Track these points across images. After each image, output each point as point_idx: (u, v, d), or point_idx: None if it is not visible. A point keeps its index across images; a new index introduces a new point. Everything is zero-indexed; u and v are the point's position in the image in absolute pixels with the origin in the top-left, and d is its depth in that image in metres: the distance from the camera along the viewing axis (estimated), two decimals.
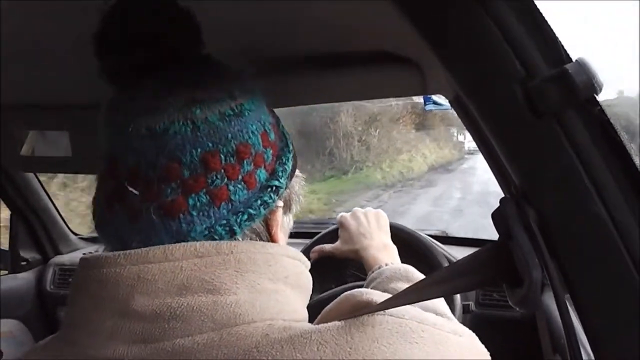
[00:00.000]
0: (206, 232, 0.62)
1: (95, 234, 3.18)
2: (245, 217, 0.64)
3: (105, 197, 0.65)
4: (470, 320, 1.84)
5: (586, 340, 0.61)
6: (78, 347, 0.60)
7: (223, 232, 0.63)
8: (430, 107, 1.93)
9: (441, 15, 0.60)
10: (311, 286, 0.70)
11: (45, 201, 2.73)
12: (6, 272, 2.71)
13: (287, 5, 0.91)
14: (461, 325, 0.70)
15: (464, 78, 0.62)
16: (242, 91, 0.67)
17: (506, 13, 0.58)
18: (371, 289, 0.95)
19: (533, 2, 0.58)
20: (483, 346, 0.69)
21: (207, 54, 0.69)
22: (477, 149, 1.57)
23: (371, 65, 1.28)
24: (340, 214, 1.46)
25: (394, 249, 1.32)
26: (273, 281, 0.63)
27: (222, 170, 0.63)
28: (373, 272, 1.19)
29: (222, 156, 0.63)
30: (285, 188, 0.70)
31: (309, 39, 1.14)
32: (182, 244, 0.60)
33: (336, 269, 1.79)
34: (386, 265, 1.19)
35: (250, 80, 0.70)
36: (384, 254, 1.27)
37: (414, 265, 1.27)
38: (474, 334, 0.70)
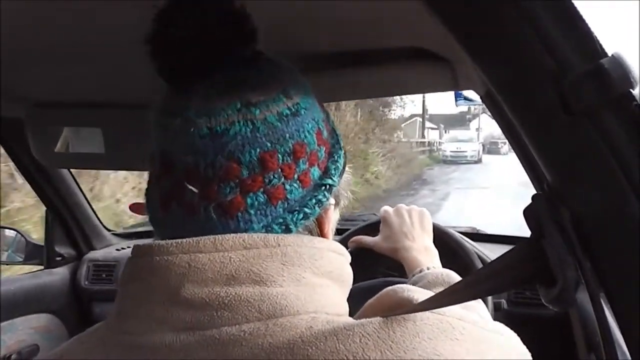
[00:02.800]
0: (263, 231, 0.64)
1: (128, 230, 3.23)
2: (301, 215, 0.65)
3: (161, 194, 0.67)
4: (502, 318, 1.83)
5: (622, 339, 0.60)
6: (127, 333, 0.62)
7: (279, 230, 0.64)
8: (461, 102, 1.92)
9: (472, 11, 0.59)
10: (351, 280, 0.71)
11: (79, 197, 2.77)
12: (42, 267, 2.76)
13: (321, 3, 0.91)
14: (503, 325, 0.70)
15: (495, 74, 0.62)
16: (296, 89, 0.68)
17: (538, 7, 0.57)
18: None
19: None
20: (524, 346, 0.68)
21: (260, 51, 0.69)
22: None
23: (403, 61, 1.28)
24: (384, 209, 1.44)
25: (435, 252, 1.31)
26: (318, 275, 0.64)
27: (279, 170, 0.64)
28: (414, 275, 1.18)
29: (280, 156, 0.64)
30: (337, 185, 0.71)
31: (342, 36, 1.15)
32: (232, 235, 0.61)
33: (367, 264, 1.78)
34: (427, 269, 1.18)
35: (301, 77, 0.71)
36: (426, 256, 1.26)
37: (445, 263, 1.27)
38: (515, 334, 0.69)
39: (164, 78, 0.68)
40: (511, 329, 0.70)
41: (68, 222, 2.77)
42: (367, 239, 1.46)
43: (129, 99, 1.53)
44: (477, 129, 51.59)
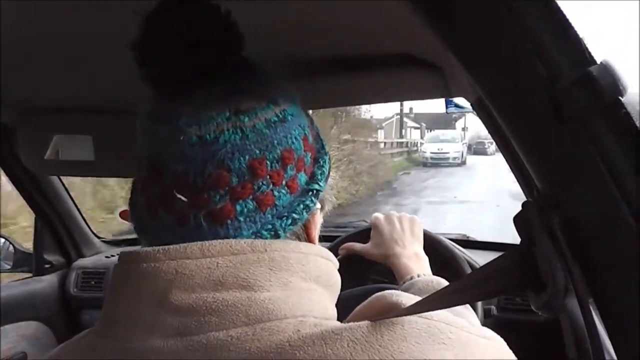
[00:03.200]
0: (252, 237, 0.64)
1: (118, 237, 3.21)
2: (290, 221, 0.66)
3: (148, 202, 0.67)
4: (492, 324, 1.82)
5: (610, 345, 0.60)
6: (115, 340, 0.62)
7: (268, 236, 0.65)
8: (452, 109, 1.92)
9: (463, 19, 0.60)
10: (340, 285, 0.71)
11: (68, 204, 2.76)
12: (30, 274, 2.74)
13: (310, 9, 0.92)
14: (490, 330, 0.70)
15: (486, 81, 0.62)
16: (283, 96, 0.69)
17: (529, 15, 0.57)
18: None
19: (556, 4, 0.58)
20: (511, 352, 0.69)
21: (247, 58, 0.70)
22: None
23: (394, 68, 1.28)
24: (375, 215, 1.45)
25: (425, 259, 1.31)
26: (305, 280, 0.64)
27: (268, 177, 0.64)
28: (405, 282, 1.18)
29: (269, 162, 0.64)
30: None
31: (332, 42, 1.15)
32: (219, 241, 0.62)
33: (357, 270, 1.78)
34: (418, 276, 1.19)
35: (287, 84, 0.71)
36: (416, 263, 1.27)
37: (435, 269, 1.27)
38: (502, 339, 0.70)
39: (152, 84, 0.68)
40: (501, 335, 0.70)
41: (57, 229, 2.75)
42: (357, 246, 1.46)
43: (119, 106, 1.53)
44: (463, 129, 50.75)
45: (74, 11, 0.90)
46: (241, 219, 0.64)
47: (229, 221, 0.63)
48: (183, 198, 0.63)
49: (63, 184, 2.74)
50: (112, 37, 0.93)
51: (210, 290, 0.59)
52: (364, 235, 1.65)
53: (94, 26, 0.96)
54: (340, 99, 1.73)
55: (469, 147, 45.76)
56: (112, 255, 2.87)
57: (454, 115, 51.77)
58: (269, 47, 1.12)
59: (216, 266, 0.60)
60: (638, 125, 0.57)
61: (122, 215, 2.91)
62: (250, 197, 0.64)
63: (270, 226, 0.65)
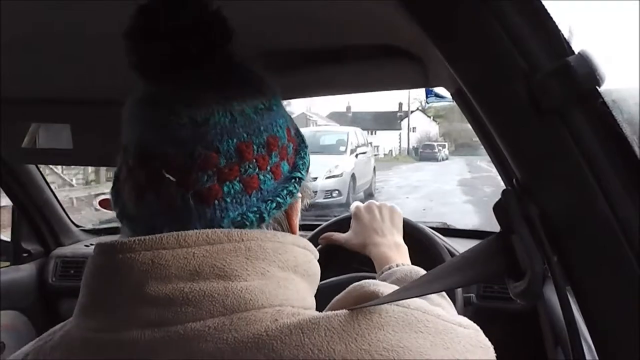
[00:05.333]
0: (238, 219, 0.65)
1: (97, 226, 3.19)
2: (274, 205, 0.67)
3: (135, 187, 0.66)
4: (472, 312, 1.85)
5: (587, 332, 0.61)
6: (92, 331, 0.62)
7: (254, 219, 0.66)
8: (432, 99, 1.93)
9: (443, 10, 0.60)
10: (319, 275, 0.71)
11: (46, 193, 2.74)
12: (8, 263, 2.72)
13: (291, 0, 0.91)
14: (466, 318, 0.71)
15: (466, 73, 0.63)
16: (269, 87, 0.71)
17: (508, 7, 0.58)
18: None
19: None
20: (487, 339, 0.70)
21: (232, 54, 0.71)
22: None
23: (374, 58, 1.28)
24: (355, 204, 1.45)
25: (405, 249, 1.31)
26: (283, 269, 0.64)
27: (254, 160, 0.66)
28: (383, 271, 1.19)
29: (255, 147, 0.66)
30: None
31: (312, 33, 1.15)
32: (195, 230, 0.62)
33: (339, 260, 1.79)
34: (397, 265, 1.19)
35: (269, 76, 0.73)
36: (395, 253, 1.27)
37: (416, 257, 1.27)
38: (478, 328, 0.70)
39: (143, 72, 0.68)
40: (480, 322, 0.71)
41: (35, 218, 2.73)
42: (337, 236, 1.46)
43: (98, 95, 1.51)
44: (410, 129, 48.79)
45: (52, 1, 0.89)
46: (228, 199, 0.64)
47: (216, 201, 0.64)
48: (172, 178, 0.63)
49: (41, 173, 2.71)
50: (91, 27, 0.92)
51: (186, 281, 0.59)
52: (344, 224, 1.65)
53: (73, 16, 0.95)
54: (321, 88, 1.72)
55: (416, 151, 43.24)
56: (92, 244, 2.85)
57: (399, 114, 50.04)
58: (254, 39, 1.12)
59: (192, 256, 0.60)
60: (638, 120, 0.58)
61: (102, 204, 2.89)
62: (237, 179, 0.64)
63: (255, 209, 0.66)
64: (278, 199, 0.67)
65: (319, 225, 1.90)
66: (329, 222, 1.85)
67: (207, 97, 0.65)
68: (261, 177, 0.66)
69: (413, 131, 49.96)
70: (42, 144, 1.80)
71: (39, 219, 2.75)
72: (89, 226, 3.21)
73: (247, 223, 0.65)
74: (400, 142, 49.13)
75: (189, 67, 0.67)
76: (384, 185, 18.80)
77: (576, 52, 0.58)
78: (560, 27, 0.58)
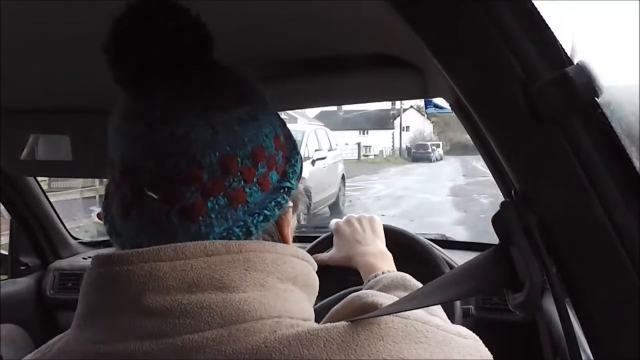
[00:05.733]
0: (224, 234, 0.64)
1: (95, 239, 3.18)
2: (261, 218, 0.66)
3: (121, 204, 0.66)
4: (471, 324, 1.84)
5: (586, 344, 0.61)
6: (90, 343, 0.61)
7: (240, 233, 0.65)
8: (431, 110, 1.93)
9: (442, 19, 0.60)
10: (317, 287, 0.71)
11: (45, 205, 2.73)
12: (6, 276, 2.71)
13: (289, 8, 0.92)
14: (465, 328, 0.70)
15: (464, 82, 0.63)
16: (253, 95, 0.69)
17: (507, 17, 0.58)
18: None
19: (533, 5, 0.58)
20: (486, 349, 0.69)
21: (216, 60, 0.70)
22: None
23: (373, 68, 1.29)
24: (334, 221, 1.45)
25: (389, 256, 1.32)
26: (282, 280, 0.64)
27: (239, 173, 0.64)
28: (370, 280, 1.19)
29: (239, 159, 0.64)
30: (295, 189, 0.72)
31: (311, 42, 1.15)
32: (193, 242, 0.61)
33: (336, 276, 1.79)
34: (383, 273, 1.19)
35: (258, 84, 0.72)
36: (380, 260, 1.27)
37: (414, 270, 1.27)
38: (477, 337, 0.70)
39: (123, 84, 0.67)
40: (479, 334, 0.71)
41: (33, 230, 2.72)
42: (321, 256, 1.45)
43: (97, 105, 1.51)
44: (403, 128, 47.07)
45: (49, 11, 0.89)
46: (212, 215, 0.63)
47: (200, 217, 0.63)
48: (154, 195, 0.63)
49: (39, 185, 2.70)
50: (89, 37, 0.92)
51: (184, 292, 0.59)
52: (326, 243, 1.66)
53: (70, 26, 0.95)
54: (318, 99, 1.73)
55: (409, 151, 41.33)
56: (90, 257, 2.83)
57: (392, 112, 48.01)
58: (250, 48, 1.12)
59: (190, 268, 0.60)
60: (638, 119, 0.58)
61: (100, 216, 2.89)
62: (222, 193, 0.63)
63: (241, 223, 0.65)
64: (265, 211, 0.66)
65: (317, 236, 1.90)
66: (312, 244, 1.85)
67: (186, 110, 0.64)
68: (247, 189, 0.65)
69: (406, 130, 48.49)
70: (41, 155, 1.80)
71: (37, 231, 2.74)
72: (87, 239, 3.20)
73: (234, 238, 0.64)
74: (393, 142, 47.88)
75: (168, 78, 0.65)
76: (360, 195, 16.72)
77: (575, 63, 0.58)
78: (559, 37, 0.59)
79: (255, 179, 0.66)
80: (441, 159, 37.28)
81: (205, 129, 0.63)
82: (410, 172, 26.99)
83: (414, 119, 49.78)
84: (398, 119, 47.36)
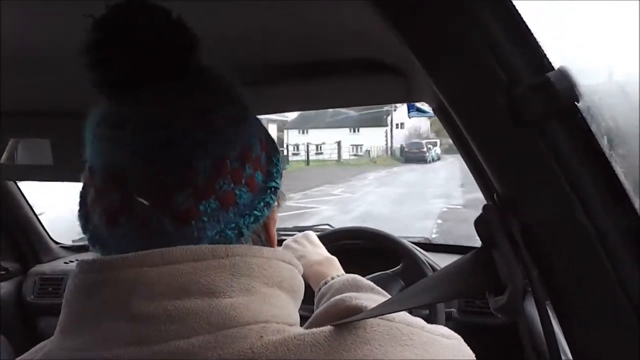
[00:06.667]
0: (217, 237, 0.64)
1: (77, 243, 3.15)
2: (252, 219, 0.66)
3: (106, 212, 0.64)
4: (453, 327, 1.83)
5: (567, 346, 0.61)
6: (74, 350, 0.60)
7: (232, 235, 0.64)
8: (414, 114, 1.94)
9: (425, 24, 0.61)
10: (303, 291, 0.71)
11: (25, 209, 2.71)
12: None
13: (272, 14, 0.92)
14: (448, 329, 0.71)
15: (447, 87, 0.63)
16: (240, 97, 0.70)
17: (489, 22, 0.58)
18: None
19: (516, 11, 0.59)
20: (469, 349, 0.70)
21: (201, 64, 0.69)
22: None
23: (356, 73, 1.29)
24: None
25: (334, 260, 1.31)
26: (268, 285, 0.64)
27: (229, 175, 0.64)
28: (321, 288, 1.18)
29: (229, 161, 0.64)
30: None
31: (294, 47, 1.15)
32: (180, 247, 0.61)
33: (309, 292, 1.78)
34: (332, 278, 1.19)
35: (239, 87, 0.71)
36: (327, 267, 1.27)
37: (397, 272, 1.27)
38: (460, 337, 0.71)
39: (106, 88, 0.66)
40: (462, 337, 0.71)
41: (14, 234, 2.69)
42: None
43: (77, 109, 1.50)
44: (396, 126, 44.61)
45: (28, 16, 0.88)
46: (205, 218, 0.63)
47: (193, 222, 0.62)
48: (145, 202, 0.62)
49: (20, 189, 2.68)
50: (69, 40, 0.92)
51: (171, 298, 0.58)
52: None
53: (52, 28, 0.95)
54: (303, 103, 1.73)
55: (401, 150, 38.51)
56: (72, 261, 2.82)
57: (385, 108, 43.71)
58: (234, 53, 1.12)
59: (178, 273, 0.59)
60: (616, 123, 0.59)
61: None
62: (213, 196, 0.63)
63: (233, 225, 0.65)
64: (255, 212, 0.66)
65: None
66: None
67: (179, 113, 0.63)
68: (237, 191, 0.65)
69: (400, 128, 46.36)
70: (21, 159, 1.78)
71: (18, 235, 2.71)
72: (69, 243, 3.17)
73: (226, 240, 0.64)
74: (387, 140, 45.82)
75: (156, 82, 0.65)
76: (296, 219, 11.79)
77: (556, 68, 0.59)
78: (540, 42, 0.59)
79: (243, 180, 0.66)
80: (438, 159, 34.58)
81: (199, 132, 0.63)
82: (394, 179, 23.88)
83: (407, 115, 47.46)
84: (394, 115, 44.83)
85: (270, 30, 1.02)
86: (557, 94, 0.56)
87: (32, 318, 2.71)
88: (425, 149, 33.84)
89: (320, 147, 43.84)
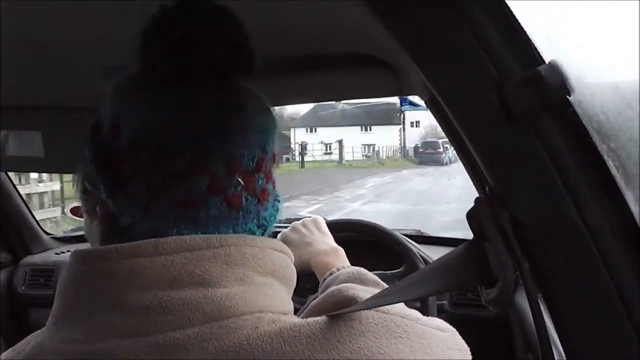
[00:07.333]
0: (255, 227, 0.68)
1: (68, 234, 3.14)
2: (273, 217, 0.71)
3: (153, 187, 0.64)
4: (445, 320, 1.85)
5: (557, 339, 0.62)
6: (67, 342, 0.60)
7: (266, 224, 0.70)
8: (406, 107, 1.94)
9: (416, 18, 0.61)
10: (295, 279, 0.72)
11: (16, 201, 2.70)
12: None
13: (263, 9, 0.91)
14: (443, 321, 0.71)
15: (438, 81, 0.63)
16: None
17: (480, 16, 0.58)
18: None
19: (506, 5, 0.59)
20: (464, 342, 0.70)
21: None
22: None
23: (347, 67, 1.29)
24: (281, 232, 1.46)
25: (341, 251, 1.32)
26: (262, 274, 0.64)
27: (262, 173, 0.68)
28: (325, 278, 1.19)
29: (266, 160, 0.69)
30: None
31: (285, 41, 1.15)
32: (173, 237, 0.61)
33: (307, 279, 1.78)
34: (338, 270, 1.19)
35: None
36: (333, 257, 1.27)
37: (389, 265, 1.28)
38: (455, 330, 0.71)
39: (186, 73, 0.66)
40: None
41: (5, 226, 2.68)
42: None
43: (68, 102, 1.50)
44: (410, 124, 41.39)
45: (22, 8, 0.88)
46: (250, 208, 0.67)
47: (239, 210, 0.66)
48: (204, 181, 0.63)
49: (11, 180, 2.67)
50: (62, 35, 0.91)
51: (166, 289, 0.59)
52: None
53: (42, 22, 0.94)
54: (294, 97, 1.73)
55: (415, 151, 35.25)
56: (63, 252, 2.81)
57: (399, 105, 40.64)
58: None
59: (171, 263, 0.59)
60: (608, 117, 0.59)
61: (73, 211, 2.85)
62: (253, 189, 0.67)
63: (264, 218, 0.69)
64: (273, 209, 0.71)
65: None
66: None
67: (247, 106, 0.68)
68: (267, 188, 0.70)
69: (416, 126, 43.20)
70: (12, 151, 1.78)
71: (8, 227, 2.70)
72: (60, 234, 3.16)
73: (261, 230, 0.69)
74: (401, 139, 43.30)
75: (230, 75, 0.69)
76: None
77: (547, 62, 0.59)
78: (531, 36, 0.59)
79: (271, 180, 0.71)
80: (456, 160, 28.35)
81: (257, 127, 0.68)
82: (397, 187, 19.81)
83: (425, 112, 43.02)
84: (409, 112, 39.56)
85: (261, 24, 1.02)
86: (548, 88, 0.57)
87: (23, 309, 2.70)
88: (441, 149, 29.87)
89: (330, 147, 41.77)
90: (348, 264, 1.25)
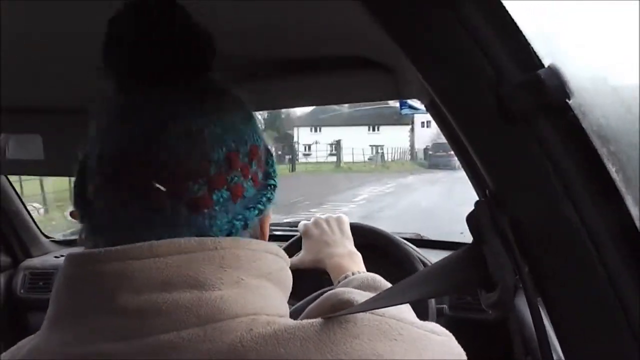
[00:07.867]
0: (226, 227, 0.66)
1: (67, 237, 3.14)
2: (256, 212, 0.69)
3: (118, 196, 0.65)
4: (444, 323, 1.84)
5: (557, 343, 0.62)
6: (62, 345, 0.60)
7: (239, 226, 0.67)
8: (406, 111, 1.94)
9: (414, 21, 0.61)
10: (291, 283, 0.72)
11: (16, 204, 2.70)
12: None
13: (261, 11, 0.91)
14: (439, 325, 0.71)
15: (437, 83, 0.63)
16: (245, 100, 0.73)
17: (478, 19, 0.58)
18: None
19: (504, 8, 0.59)
20: (460, 347, 0.70)
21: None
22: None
23: (347, 70, 1.29)
24: (302, 223, 1.45)
25: (358, 256, 1.32)
26: (256, 277, 0.64)
27: (239, 169, 0.67)
28: (340, 281, 1.19)
29: (241, 156, 0.68)
30: None
31: (284, 44, 1.15)
32: (167, 240, 0.61)
33: (310, 276, 1.79)
34: (353, 274, 1.19)
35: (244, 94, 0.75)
36: (349, 261, 1.27)
37: (388, 268, 1.28)
38: (451, 334, 0.71)
39: (134, 78, 0.67)
40: (453, 333, 0.72)
41: (4, 228, 2.68)
42: (291, 261, 1.45)
43: (69, 105, 1.50)
44: (422, 123, 38.00)
45: (21, 9, 0.88)
46: (217, 208, 0.65)
47: (205, 210, 0.64)
48: (162, 188, 0.63)
49: (10, 183, 2.67)
50: (62, 37, 0.91)
51: (158, 291, 0.58)
52: (295, 246, 1.65)
53: (42, 24, 0.94)
54: (295, 99, 1.73)
55: (425, 153, 34.12)
56: (62, 255, 2.80)
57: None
58: (223, 50, 1.11)
59: (165, 266, 0.59)
60: (608, 121, 0.59)
61: (74, 215, 2.85)
62: (225, 187, 0.66)
63: (240, 216, 0.67)
64: (259, 205, 0.69)
65: (292, 235, 1.90)
66: (282, 247, 1.85)
67: (201, 108, 0.66)
68: (245, 185, 0.68)
69: (427, 127, 38.08)
70: (12, 154, 1.78)
71: (8, 230, 2.70)
72: (59, 237, 3.16)
73: (234, 231, 0.66)
74: (411, 141, 41.07)
75: (183, 79, 0.68)
76: None
77: (546, 66, 0.59)
78: (530, 40, 0.59)
79: (250, 176, 0.69)
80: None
81: (217, 126, 0.66)
82: (397, 200, 17.10)
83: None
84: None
85: (259, 27, 1.02)
86: (547, 91, 0.57)
87: (22, 313, 2.70)
88: (452, 152, 27.69)
89: (335, 147, 39.45)
90: (364, 269, 1.25)
